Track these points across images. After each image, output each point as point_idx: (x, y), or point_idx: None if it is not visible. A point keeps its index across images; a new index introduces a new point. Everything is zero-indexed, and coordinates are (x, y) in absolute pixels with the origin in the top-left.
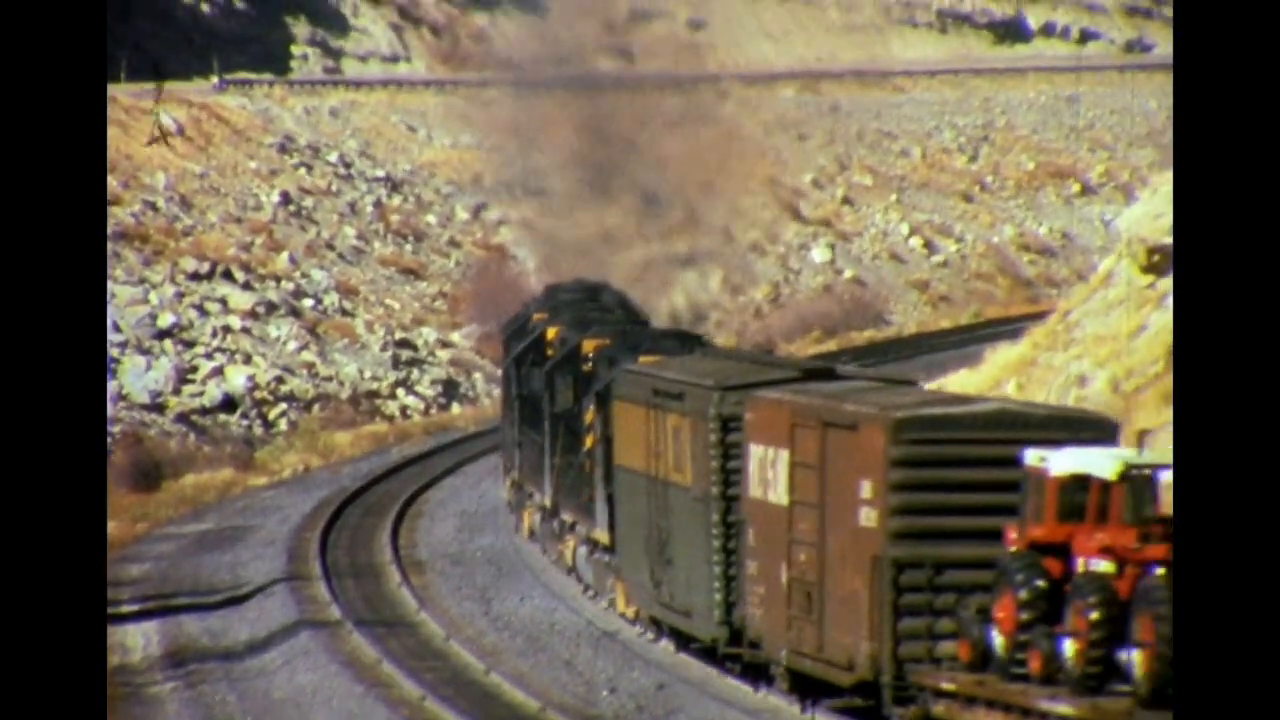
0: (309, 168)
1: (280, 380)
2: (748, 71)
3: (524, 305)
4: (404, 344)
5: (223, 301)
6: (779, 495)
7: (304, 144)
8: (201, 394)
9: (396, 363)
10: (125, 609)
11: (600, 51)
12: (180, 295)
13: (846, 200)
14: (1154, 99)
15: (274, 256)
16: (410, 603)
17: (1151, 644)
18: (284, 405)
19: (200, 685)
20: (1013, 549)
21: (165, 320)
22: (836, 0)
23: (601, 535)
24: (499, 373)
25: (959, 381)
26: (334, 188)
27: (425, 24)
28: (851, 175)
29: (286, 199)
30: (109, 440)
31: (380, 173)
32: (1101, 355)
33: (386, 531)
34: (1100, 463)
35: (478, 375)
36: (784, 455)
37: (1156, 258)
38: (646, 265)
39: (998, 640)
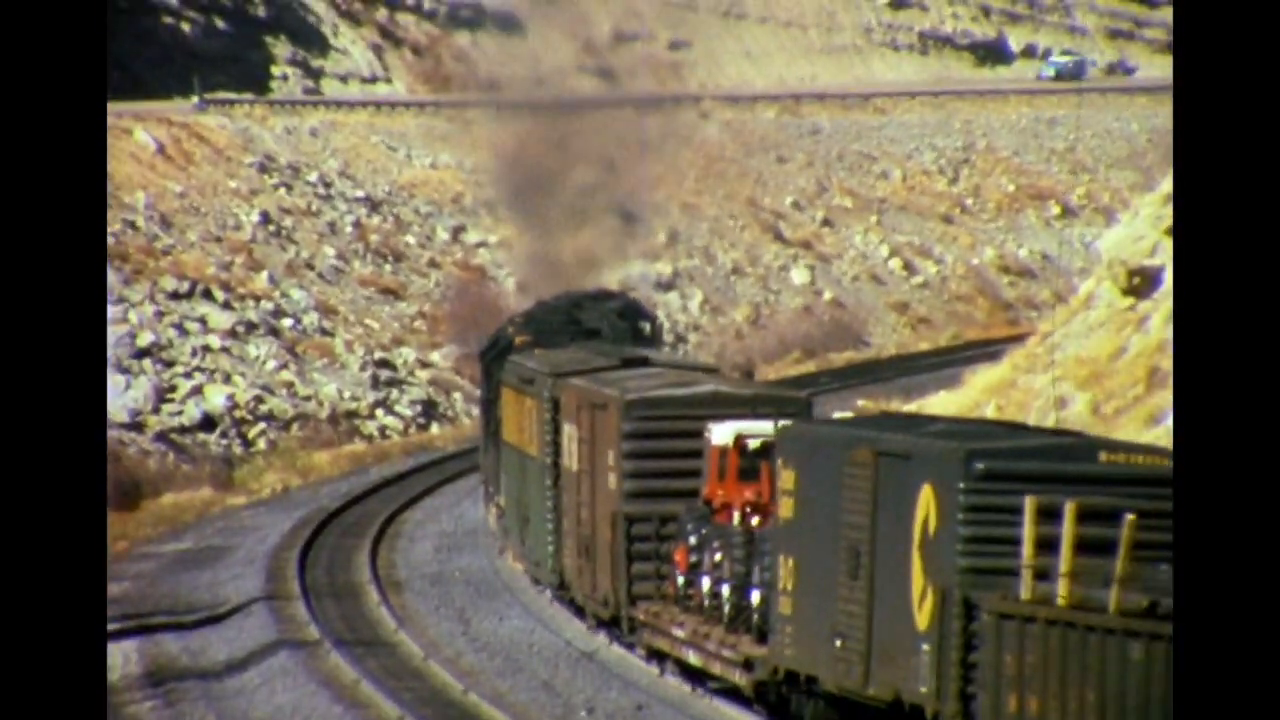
0: (289, 187)
1: (259, 400)
2: (728, 93)
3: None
4: (383, 364)
5: (202, 321)
6: (574, 463)
7: (284, 164)
8: (181, 413)
9: (376, 383)
10: None
11: (581, 72)
12: (160, 314)
13: (826, 222)
14: (1135, 121)
15: (253, 276)
16: (389, 622)
17: (760, 586)
18: (263, 425)
19: (179, 704)
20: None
21: (144, 339)
22: (817, 22)
23: (502, 500)
24: (478, 392)
25: (939, 403)
26: (314, 207)
27: (406, 44)
28: (832, 197)
29: (266, 218)
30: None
31: (360, 193)
32: (1082, 377)
33: (365, 551)
34: (728, 433)
35: (457, 395)
36: (576, 430)
37: (1137, 280)
38: (626, 287)
39: (679, 579)
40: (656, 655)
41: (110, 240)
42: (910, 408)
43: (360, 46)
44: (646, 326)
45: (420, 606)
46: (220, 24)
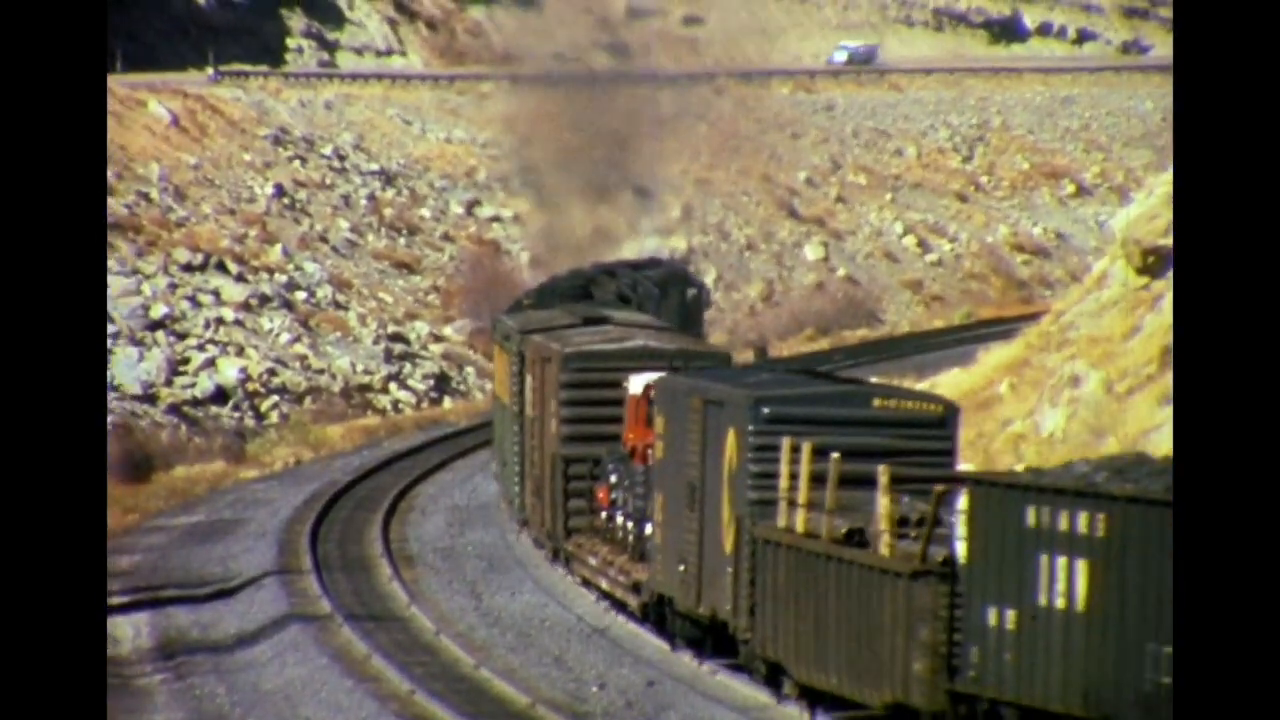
0: (303, 160)
1: (272, 373)
2: (743, 68)
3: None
4: (396, 338)
5: (216, 293)
6: (532, 411)
7: (298, 136)
8: (193, 385)
9: (389, 356)
10: (115, 600)
11: (596, 47)
12: (173, 286)
13: (840, 199)
14: (1150, 100)
15: (267, 249)
16: (401, 597)
17: (654, 521)
18: (275, 398)
19: (189, 677)
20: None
21: (158, 311)
22: None
23: (496, 448)
24: (491, 366)
25: (952, 381)
26: (328, 180)
27: (421, 18)
28: (846, 174)
29: (280, 191)
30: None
31: (374, 166)
32: (1095, 356)
33: (377, 525)
34: (640, 384)
35: (469, 370)
36: (534, 381)
37: (1151, 259)
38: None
39: (602, 515)
40: (587, 583)
41: (124, 212)
42: (923, 385)
43: (375, 20)
44: (691, 293)
45: (432, 581)
46: None
